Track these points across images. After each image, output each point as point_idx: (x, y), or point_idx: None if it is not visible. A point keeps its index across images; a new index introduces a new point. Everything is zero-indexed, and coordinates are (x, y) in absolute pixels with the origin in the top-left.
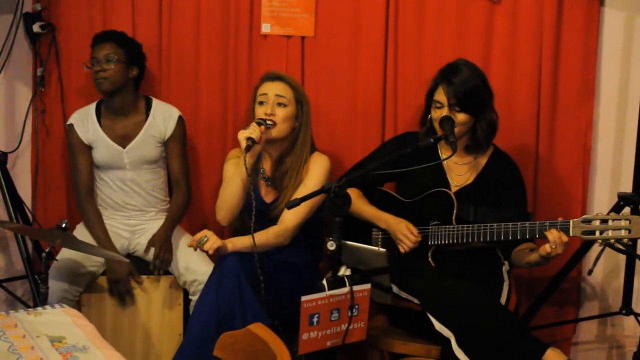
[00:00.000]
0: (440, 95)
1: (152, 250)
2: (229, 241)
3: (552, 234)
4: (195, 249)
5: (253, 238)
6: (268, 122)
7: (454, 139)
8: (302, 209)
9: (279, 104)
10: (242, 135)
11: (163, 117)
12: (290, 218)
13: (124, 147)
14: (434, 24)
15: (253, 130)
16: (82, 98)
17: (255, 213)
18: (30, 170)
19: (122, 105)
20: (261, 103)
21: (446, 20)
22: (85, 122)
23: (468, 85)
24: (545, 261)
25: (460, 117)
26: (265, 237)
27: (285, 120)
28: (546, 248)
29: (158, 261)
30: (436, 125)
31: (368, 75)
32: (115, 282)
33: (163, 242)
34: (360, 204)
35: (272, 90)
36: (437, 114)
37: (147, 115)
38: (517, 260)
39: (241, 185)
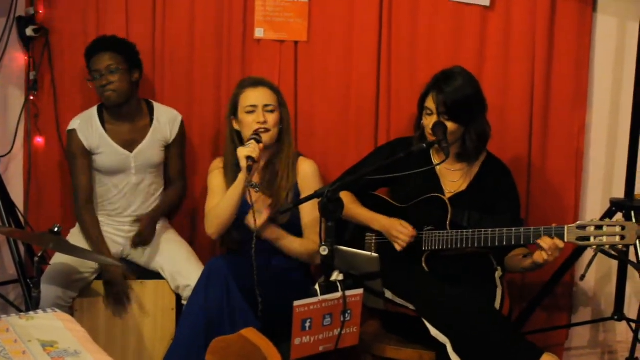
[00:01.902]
0: (430, 103)
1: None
2: (269, 228)
3: (546, 242)
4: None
5: (254, 255)
6: (261, 132)
7: (446, 144)
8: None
9: (268, 111)
10: (242, 153)
11: (167, 121)
12: (315, 236)
13: (131, 152)
14: (427, 30)
15: (253, 149)
16: (75, 102)
17: (243, 220)
18: (23, 174)
19: (129, 111)
20: (250, 112)
21: (440, 26)
22: (89, 127)
23: (459, 95)
24: (539, 267)
25: (449, 125)
26: (294, 243)
27: (276, 125)
28: (543, 255)
29: (138, 239)
30: (428, 132)
31: (361, 81)
32: (112, 285)
33: (149, 219)
34: (354, 208)
35: (260, 98)
36: (427, 121)
37: (152, 119)
38: (511, 266)
39: (237, 202)
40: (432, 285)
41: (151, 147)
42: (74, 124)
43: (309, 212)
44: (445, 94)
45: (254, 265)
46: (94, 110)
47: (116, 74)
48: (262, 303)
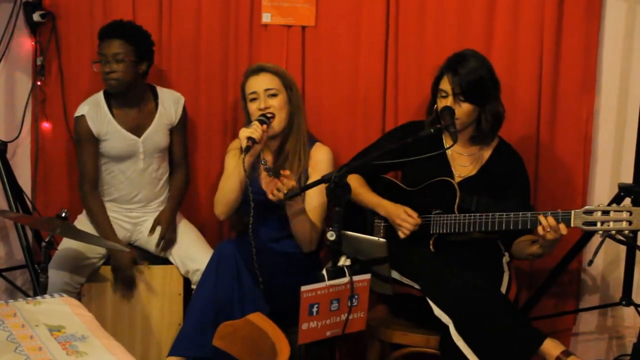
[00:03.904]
0: (445, 85)
1: (157, 231)
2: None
3: (548, 220)
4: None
5: (250, 237)
6: (269, 115)
7: (454, 129)
8: (319, 212)
9: (271, 95)
10: (244, 134)
11: (171, 103)
12: (317, 225)
13: (139, 137)
14: (435, 13)
15: (255, 130)
16: (83, 87)
17: (256, 203)
18: (30, 160)
19: (134, 98)
20: (253, 100)
21: (447, 9)
22: (98, 113)
23: (473, 76)
24: (545, 250)
25: (465, 107)
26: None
27: (282, 109)
28: (539, 230)
29: (163, 241)
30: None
31: (369, 65)
32: (119, 270)
33: (169, 222)
34: (362, 192)
35: (260, 85)
36: (442, 104)
37: (156, 104)
38: (518, 251)
39: (239, 182)
40: (439, 265)
41: (158, 131)
42: (82, 109)
43: (314, 199)
44: (460, 76)
45: (252, 243)
46: (100, 95)
47: (122, 63)
48: (262, 283)
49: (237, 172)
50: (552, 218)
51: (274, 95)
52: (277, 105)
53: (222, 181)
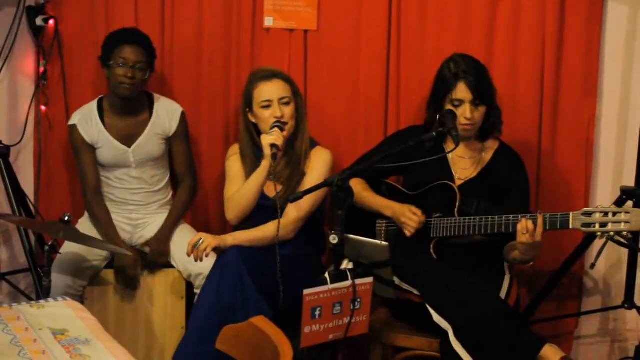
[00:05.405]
0: (462, 93)
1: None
2: (229, 236)
3: (527, 223)
4: (197, 260)
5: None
6: (283, 123)
7: (456, 133)
8: (305, 202)
9: (284, 104)
10: (267, 141)
11: (167, 113)
12: (293, 211)
13: (129, 147)
14: (436, 17)
15: (277, 137)
16: (85, 92)
17: (260, 208)
18: (33, 164)
19: (132, 106)
20: (266, 107)
21: (449, 14)
22: (89, 122)
23: (482, 75)
24: (524, 257)
25: (482, 109)
26: (268, 229)
27: (292, 117)
28: (517, 229)
29: (152, 263)
30: (461, 122)
31: (371, 69)
32: (123, 270)
33: (158, 248)
34: (367, 195)
35: (274, 93)
36: (460, 112)
37: (151, 113)
38: (505, 254)
39: (258, 189)
40: (437, 271)
41: (150, 141)
42: (74, 119)
43: (305, 200)
44: (475, 80)
45: (277, 253)
46: (93, 104)
47: (140, 71)
48: (283, 291)
49: (256, 179)
50: (531, 221)
51: (287, 103)
52: (289, 114)
53: (231, 187)
